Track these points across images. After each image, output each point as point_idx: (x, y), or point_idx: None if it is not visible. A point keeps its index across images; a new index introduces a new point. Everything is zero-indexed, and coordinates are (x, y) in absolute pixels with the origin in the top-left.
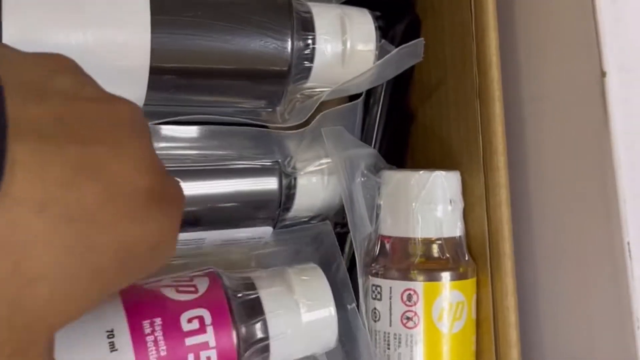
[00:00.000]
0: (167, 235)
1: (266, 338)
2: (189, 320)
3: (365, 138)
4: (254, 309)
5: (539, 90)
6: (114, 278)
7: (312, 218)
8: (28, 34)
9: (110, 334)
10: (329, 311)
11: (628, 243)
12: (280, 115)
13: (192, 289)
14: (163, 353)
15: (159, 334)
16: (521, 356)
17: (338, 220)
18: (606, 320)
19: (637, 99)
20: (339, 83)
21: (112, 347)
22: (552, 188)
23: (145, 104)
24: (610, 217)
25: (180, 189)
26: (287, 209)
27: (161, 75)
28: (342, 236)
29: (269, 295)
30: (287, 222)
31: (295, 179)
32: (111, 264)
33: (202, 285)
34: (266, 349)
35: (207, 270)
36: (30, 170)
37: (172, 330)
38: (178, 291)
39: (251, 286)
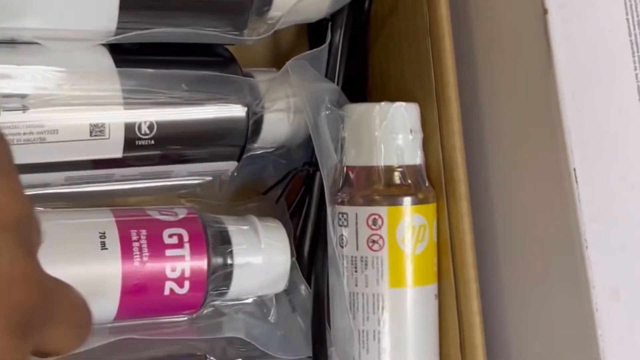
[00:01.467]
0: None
1: (231, 266)
2: (170, 236)
3: (329, 72)
4: (223, 240)
5: (487, 27)
6: None
7: (276, 149)
8: None
9: (102, 235)
10: (286, 255)
11: (574, 169)
12: (247, 36)
13: (173, 213)
14: (145, 258)
15: (143, 242)
16: (477, 275)
17: (305, 157)
18: (557, 242)
19: (578, 34)
20: (298, 8)
21: (103, 246)
22: (503, 117)
23: (117, 29)
24: (557, 145)
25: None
26: (253, 142)
27: (131, 0)
28: (311, 175)
29: (237, 231)
30: (252, 153)
31: (262, 115)
32: None
33: (181, 213)
34: (229, 277)
35: (185, 205)
36: None
37: (155, 241)
38: (161, 213)
39: (221, 222)
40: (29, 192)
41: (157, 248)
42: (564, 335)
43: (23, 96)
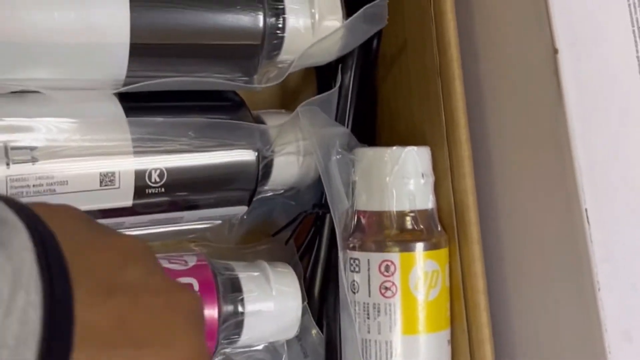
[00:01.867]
0: None
1: (242, 314)
2: None
3: (339, 114)
4: (234, 287)
5: (496, 68)
6: None
7: (286, 191)
8: (9, 13)
9: None
10: (297, 301)
11: (586, 209)
12: (257, 82)
13: (183, 262)
14: None
15: None
16: (490, 320)
17: (316, 202)
18: (568, 284)
19: (589, 74)
20: (308, 52)
21: None
22: (513, 159)
23: (126, 77)
24: (568, 186)
25: None
26: (263, 185)
27: (141, 50)
28: (321, 217)
29: (247, 278)
30: (262, 195)
31: (272, 159)
32: None
33: (191, 261)
34: (240, 325)
35: (194, 252)
36: None
37: None
38: (170, 262)
39: (232, 268)
40: None
41: None
42: None
43: (32, 148)
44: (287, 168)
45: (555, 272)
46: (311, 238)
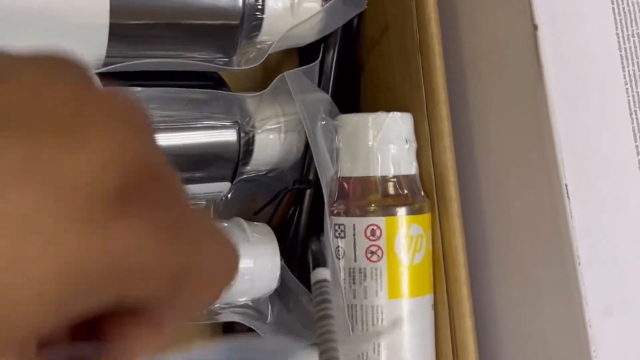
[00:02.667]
0: (143, 249)
1: None
2: None
3: (321, 87)
4: None
5: (478, 47)
6: (62, 299)
7: (269, 171)
8: None
9: None
10: (275, 254)
11: (566, 185)
12: (236, 63)
13: None
14: None
15: None
16: (470, 293)
17: (296, 178)
18: (550, 258)
19: (568, 49)
20: (287, 34)
21: None
22: (494, 133)
23: (106, 57)
24: (548, 161)
25: (175, 187)
26: (245, 163)
27: (120, 29)
28: (301, 192)
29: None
30: (245, 176)
31: (253, 135)
32: (54, 281)
33: None
34: None
35: None
36: None
37: None
38: None
39: None
40: None
41: None
42: (558, 352)
43: None
44: (269, 145)
45: (536, 247)
46: (291, 215)
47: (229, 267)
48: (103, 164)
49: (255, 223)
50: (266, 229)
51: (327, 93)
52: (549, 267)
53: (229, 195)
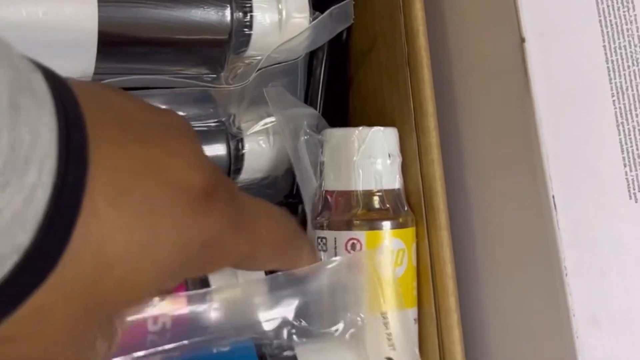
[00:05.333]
0: (222, 235)
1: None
2: None
3: (310, 100)
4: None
5: (466, 59)
6: (168, 274)
7: (262, 179)
8: None
9: None
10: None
11: (553, 196)
12: (224, 80)
13: None
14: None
15: None
16: (458, 304)
17: (287, 193)
18: (537, 269)
19: (556, 62)
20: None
21: None
22: (482, 145)
23: (94, 74)
24: (535, 173)
25: (233, 187)
26: (238, 170)
27: (108, 45)
28: (293, 206)
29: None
30: (240, 185)
31: (242, 140)
32: (169, 259)
33: None
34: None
35: None
36: (104, 167)
37: None
38: None
39: None
40: None
41: None
42: None
43: None
44: (259, 150)
45: (523, 258)
46: None
47: (283, 233)
48: (192, 167)
49: None
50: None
51: (316, 106)
52: (536, 277)
53: None
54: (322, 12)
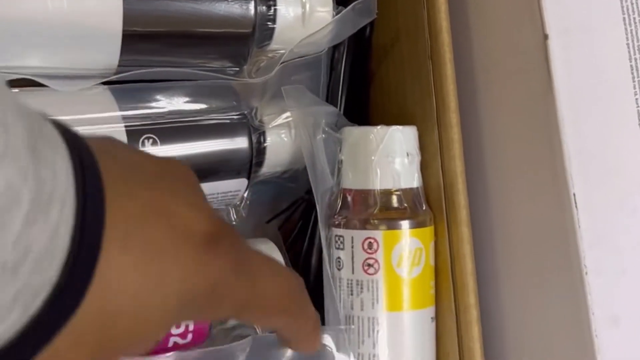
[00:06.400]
0: (224, 281)
1: None
2: None
3: (330, 95)
4: None
5: (489, 55)
6: (174, 318)
7: (284, 172)
8: (4, 3)
9: None
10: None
11: (574, 194)
12: (247, 74)
13: None
14: None
15: None
16: (478, 300)
17: (309, 189)
18: (557, 267)
19: (579, 59)
20: (302, 47)
21: None
22: (503, 142)
23: (118, 66)
24: (557, 171)
25: (236, 234)
26: (259, 163)
27: (133, 37)
28: (312, 203)
29: None
30: (261, 178)
31: (264, 133)
32: (175, 303)
33: None
34: None
35: None
36: (116, 209)
37: None
38: None
39: None
40: None
41: None
42: None
43: None
44: (280, 143)
45: (543, 256)
46: (302, 224)
47: (286, 291)
48: (195, 212)
49: (260, 240)
50: (270, 245)
51: (337, 100)
52: (556, 276)
53: (249, 199)
54: (345, 7)
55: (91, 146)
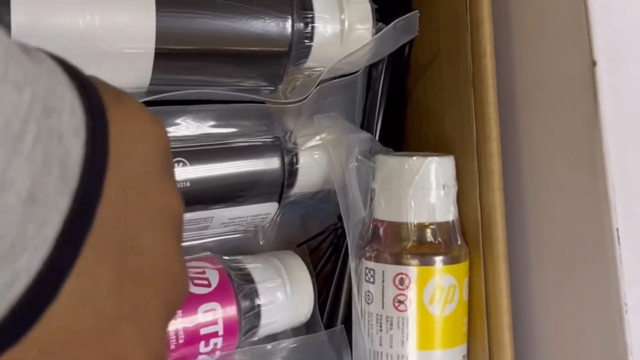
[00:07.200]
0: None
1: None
2: (204, 312)
3: (367, 116)
4: (252, 300)
5: (532, 80)
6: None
7: (315, 193)
8: (35, 20)
9: None
10: (308, 281)
11: (617, 229)
12: (282, 93)
13: (206, 282)
14: (181, 341)
15: (179, 325)
16: (513, 339)
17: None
18: (595, 305)
19: (626, 87)
20: (336, 61)
21: None
22: (544, 171)
23: (150, 85)
24: (600, 204)
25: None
26: (291, 184)
27: (165, 56)
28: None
29: (265, 288)
30: (292, 199)
31: (296, 155)
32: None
33: (214, 279)
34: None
35: (214, 262)
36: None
37: (190, 321)
38: (195, 284)
39: (249, 278)
40: None
41: (192, 328)
42: None
43: None
44: (314, 164)
45: (582, 292)
46: (334, 249)
47: None
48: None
49: (286, 252)
50: (296, 259)
51: (374, 123)
52: (595, 313)
53: (278, 220)
54: (385, 23)
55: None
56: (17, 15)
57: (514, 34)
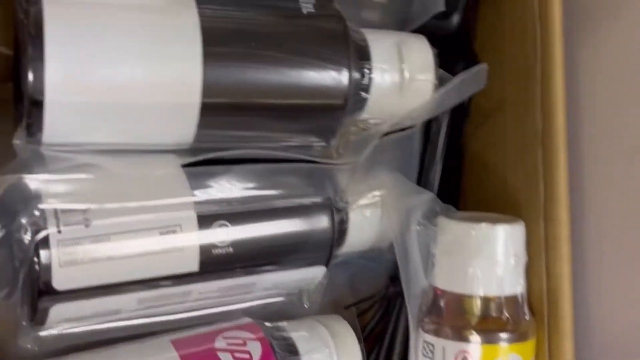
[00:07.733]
0: None
1: None
2: None
3: (425, 172)
4: (291, 350)
5: (602, 136)
6: None
7: (364, 252)
8: (72, 72)
9: None
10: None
11: None
12: (335, 150)
13: (247, 355)
14: None
15: None
16: None
17: (392, 274)
18: None
19: None
20: (394, 113)
21: None
22: (610, 239)
23: (194, 141)
24: None
25: None
26: (340, 244)
27: (212, 111)
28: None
29: (302, 338)
30: (340, 259)
31: (347, 213)
32: None
33: (256, 352)
34: None
35: (255, 330)
36: None
37: None
38: (235, 358)
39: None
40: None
41: None
42: None
43: (85, 211)
44: (365, 223)
45: None
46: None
47: None
48: None
49: (332, 317)
50: (343, 324)
51: (433, 179)
52: None
53: (324, 282)
54: (445, 68)
55: None
56: (52, 66)
57: (582, 87)
